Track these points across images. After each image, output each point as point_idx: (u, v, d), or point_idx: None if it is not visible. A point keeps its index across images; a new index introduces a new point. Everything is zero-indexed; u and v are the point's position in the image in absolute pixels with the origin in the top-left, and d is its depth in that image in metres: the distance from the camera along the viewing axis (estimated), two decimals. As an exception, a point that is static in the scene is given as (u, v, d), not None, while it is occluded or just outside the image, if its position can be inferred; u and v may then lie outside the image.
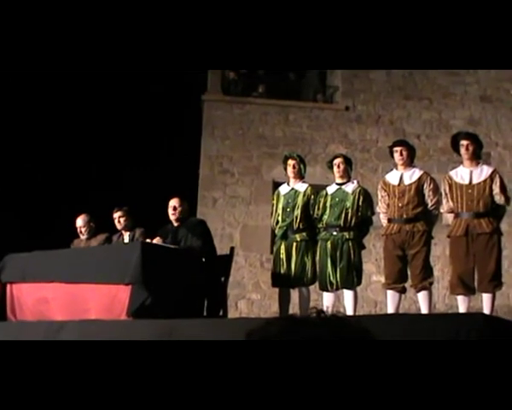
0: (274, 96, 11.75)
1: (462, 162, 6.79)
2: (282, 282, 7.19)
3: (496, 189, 6.55)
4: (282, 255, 7.12)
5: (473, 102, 11.73)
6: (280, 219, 7.25)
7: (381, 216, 6.97)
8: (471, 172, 6.63)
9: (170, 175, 10.61)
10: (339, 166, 7.11)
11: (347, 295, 6.96)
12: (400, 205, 6.70)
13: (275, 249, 7.37)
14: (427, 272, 6.66)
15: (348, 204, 6.94)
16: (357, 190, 7.03)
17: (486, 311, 6.33)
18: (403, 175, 6.81)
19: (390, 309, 6.75)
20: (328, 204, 7.03)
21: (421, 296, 6.67)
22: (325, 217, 7.00)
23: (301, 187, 7.27)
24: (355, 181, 7.22)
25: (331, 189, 7.15)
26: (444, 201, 6.72)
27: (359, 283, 7.01)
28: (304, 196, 7.18)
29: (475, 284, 6.50)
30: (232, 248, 7.58)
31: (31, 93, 11.29)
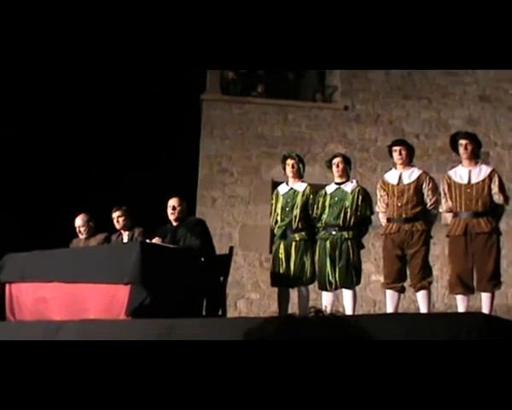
0: (273, 96, 11.74)
1: (460, 162, 6.79)
2: (281, 281, 7.19)
3: (494, 188, 6.55)
4: (281, 255, 7.12)
5: (472, 102, 11.73)
6: (279, 218, 7.25)
7: (380, 215, 6.96)
8: (470, 172, 6.63)
9: (169, 175, 10.60)
10: (338, 166, 7.11)
11: (346, 294, 6.96)
12: (399, 204, 6.70)
13: (274, 249, 7.37)
14: (426, 271, 6.66)
15: (347, 204, 6.94)
16: (357, 190, 7.03)
17: (485, 310, 6.34)
18: (402, 174, 6.81)
19: (389, 309, 6.75)
20: (327, 204, 7.03)
21: (421, 296, 6.67)
22: (324, 216, 7.00)
23: (300, 187, 7.27)
24: (354, 180, 7.21)
25: (330, 188, 7.14)
26: (443, 200, 6.72)
27: (358, 282, 7.01)
28: (303, 195, 7.18)
29: (474, 283, 6.50)
30: (231, 248, 7.57)
31: (31, 93, 11.28)
